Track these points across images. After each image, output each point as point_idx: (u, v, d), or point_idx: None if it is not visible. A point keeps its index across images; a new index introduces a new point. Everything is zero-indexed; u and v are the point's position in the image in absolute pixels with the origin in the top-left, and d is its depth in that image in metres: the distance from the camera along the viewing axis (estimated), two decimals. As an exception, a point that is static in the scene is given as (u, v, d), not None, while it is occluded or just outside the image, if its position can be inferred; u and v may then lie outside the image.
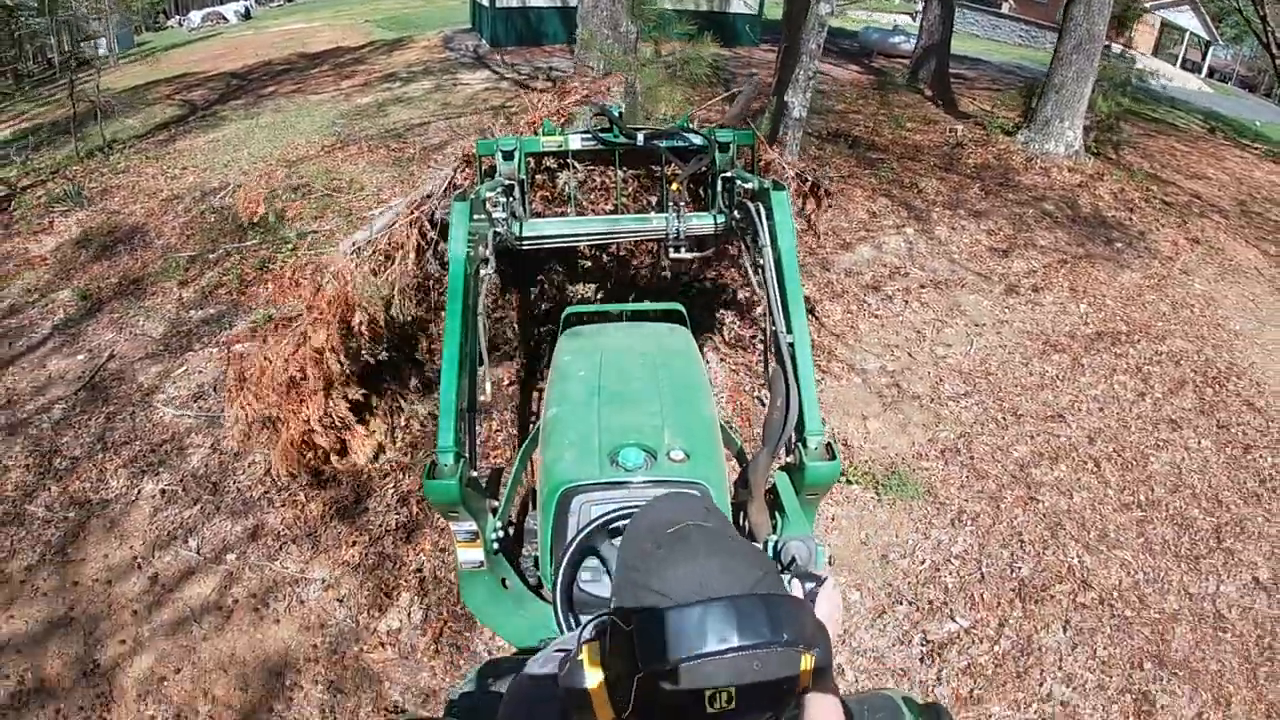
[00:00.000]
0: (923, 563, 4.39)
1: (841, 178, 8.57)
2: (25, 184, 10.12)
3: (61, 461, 5.15)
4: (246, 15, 29.73)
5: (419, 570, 4.29)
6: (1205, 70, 27.35)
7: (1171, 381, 6.04)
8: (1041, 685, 3.81)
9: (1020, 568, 4.37)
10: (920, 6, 16.31)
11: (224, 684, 3.92)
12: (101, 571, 4.46)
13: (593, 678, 1.08)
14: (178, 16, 30.07)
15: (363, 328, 4.42)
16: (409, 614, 4.09)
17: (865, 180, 8.63)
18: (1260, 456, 5.50)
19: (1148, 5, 26.27)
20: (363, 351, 4.70)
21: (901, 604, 4.16)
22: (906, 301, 6.71)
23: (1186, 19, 28.32)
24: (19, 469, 5.06)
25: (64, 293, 7.02)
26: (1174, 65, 26.81)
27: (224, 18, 29.04)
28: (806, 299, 6.29)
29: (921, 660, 3.90)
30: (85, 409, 5.61)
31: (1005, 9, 28.51)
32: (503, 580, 2.92)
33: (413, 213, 4.62)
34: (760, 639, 0.97)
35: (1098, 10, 8.59)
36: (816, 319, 6.31)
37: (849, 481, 4.86)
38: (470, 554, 2.81)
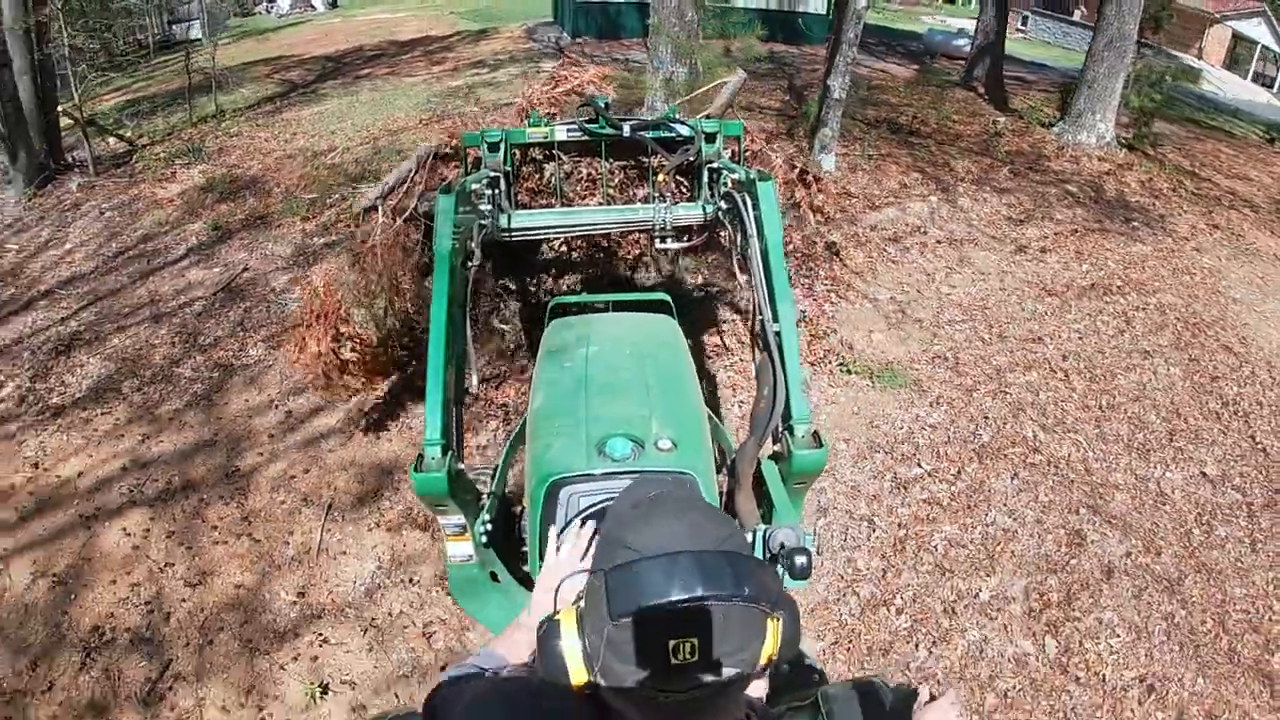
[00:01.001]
0: (901, 428, 5.34)
1: (880, 155, 9.51)
2: (144, 143, 11.81)
3: (205, 339, 6.40)
4: (333, 4, 31.13)
5: (504, 406, 5.39)
6: (1278, 85, 26.94)
7: (1153, 325, 6.81)
8: (987, 515, 4.73)
9: (982, 435, 5.29)
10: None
11: (344, 479, 5.09)
12: (242, 411, 5.68)
13: (568, 637, 1.11)
14: (266, 3, 31.32)
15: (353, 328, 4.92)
16: (494, 435, 5.21)
17: (902, 159, 9.54)
18: (1226, 386, 6.24)
19: (1216, 15, 26.21)
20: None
21: (879, 453, 5.12)
22: (921, 252, 7.62)
23: (1260, 31, 27.89)
24: (165, 346, 6.34)
25: (195, 225, 8.42)
26: (1245, 78, 26.61)
27: (312, 5, 30.54)
28: (832, 244, 7.29)
29: (890, 491, 4.86)
30: (225, 304, 6.90)
31: (1076, 16, 28.66)
32: (492, 573, 2.93)
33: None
34: (722, 590, 0.99)
35: (1128, 10, 9.35)
36: (840, 260, 7.26)
37: (849, 372, 5.83)
38: (459, 547, 2.82)
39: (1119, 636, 4.17)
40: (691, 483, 2.52)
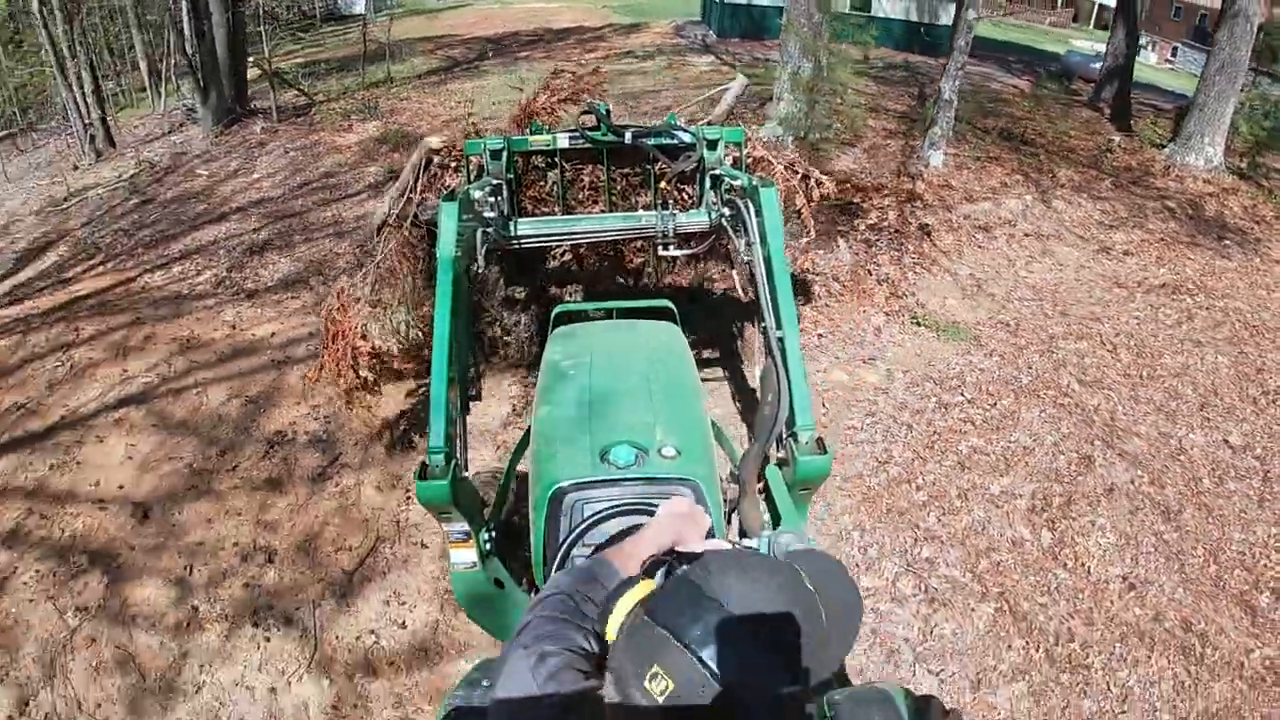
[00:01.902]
0: (954, 369, 6.34)
1: (988, 157, 10.34)
2: (320, 99, 13.83)
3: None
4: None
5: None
6: None
7: (1213, 322, 7.46)
8: (1011, 435, 5.69)
9: (1022, 379, 6.23)
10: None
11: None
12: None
13: (629, 599, 1.16)
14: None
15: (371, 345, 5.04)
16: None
17: (1008, 162, 10.33)
18: (1271, 379, 6.85)
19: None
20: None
21: (930, 383, 6.14)
22: (1008, 241, 8.48)
23: None
24: (346, 255, 7.91)
25: (371, 168, 10.11)
26: None
27: (474, -11, 32.96)
28: (925, 225, 8.27)
29: (933, 410, 5.88)
30: (403, 227, 8.52)
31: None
32: (496, 580, 2.95)
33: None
34: (723, 672, 0.99)
35: (1240, 36, 9.80)
36: (930, 239, 8.22)
37: (918, 324, 6.85)
38: (463, 555, 2.84)
39: (1109, 539, 5.05)
40: (696, 489, 2.54)
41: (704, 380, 3.91)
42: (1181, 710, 4.16)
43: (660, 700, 0.99)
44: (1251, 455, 5.97)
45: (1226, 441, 6.07)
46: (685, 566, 1.25)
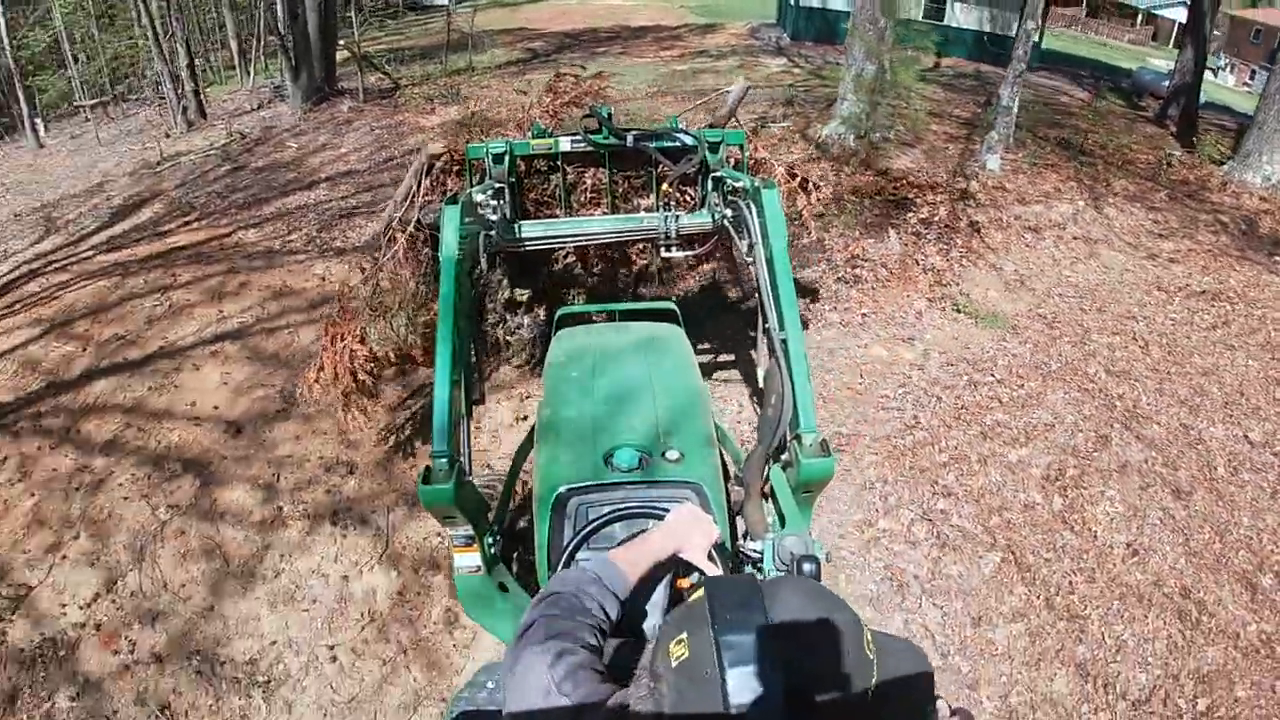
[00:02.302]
0: (988, 353, 6.81)
1: (1044, 164, 10.67)
2: (404, 84, 14.73)
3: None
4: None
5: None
6: None
7: (1248, 328, 7.72)
8: (1034, 413, 6.15)
9: (1051, 365, 6.67)
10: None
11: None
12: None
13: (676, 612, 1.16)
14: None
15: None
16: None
17: (1064, 169, 10.65)
18: (1300, 384, 7.15)
19: None
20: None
21: (963, 363, 6.63)
22: (1055, 243, 8.85)
23: None
24: None
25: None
26: None
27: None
28: (975, 223, 8.70)
29: (963, 386, 6.37)
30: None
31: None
32: (501, 584, 2.97)
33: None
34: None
35: (1304, 57, 9.98)
36: (980, 236, 8.64)
37: (958, 311, 7.33)
38: (467, 558, 2.86)
39: (1117, 509, 5.48)
40: (700, 492, 2.57)
41: (708, 382, 3.94)
42: (1173, 668, 4.48)
43: (673, 664, 1.04)
44: (1270, 451, 6.25)
45: (1247, 437, 6.39)
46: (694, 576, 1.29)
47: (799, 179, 5.49)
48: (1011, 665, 4.51)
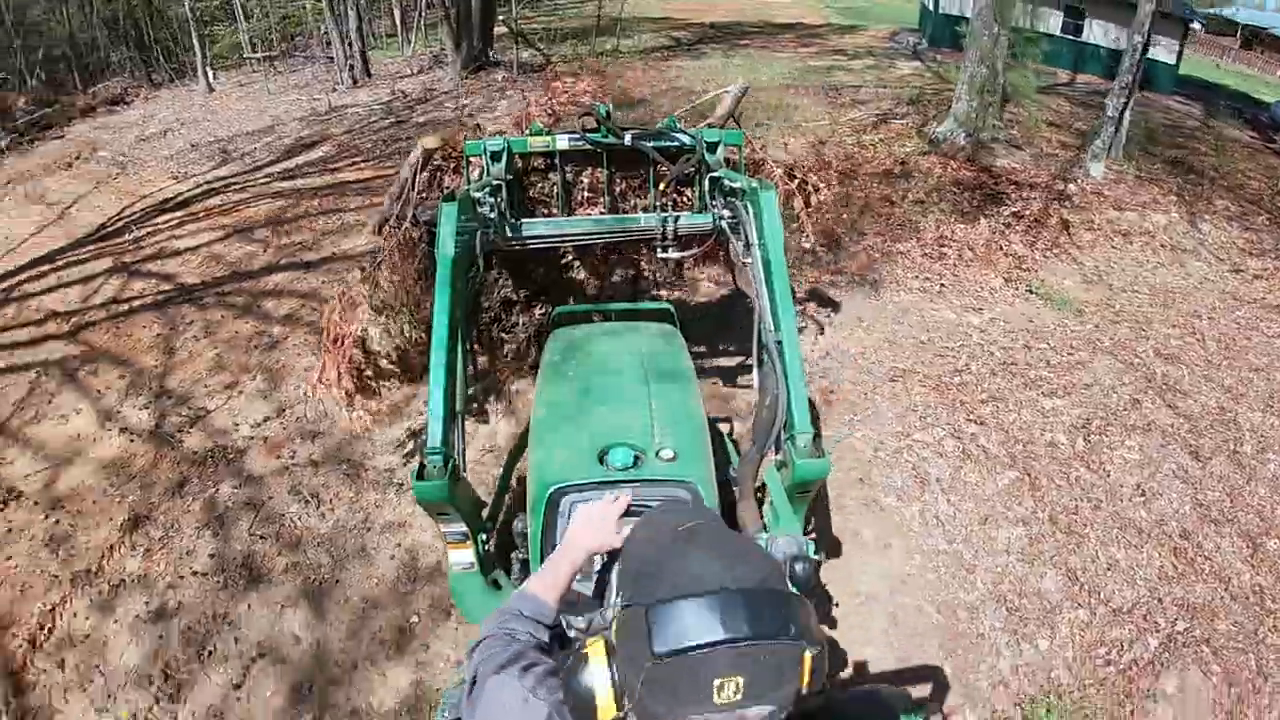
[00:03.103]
0: (1049, 328, 7.70)
1: (1148, 177, 11.21)
2: (554, 60, 16.26)
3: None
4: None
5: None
6: None
7: (1316, 341, 8.23)
8: (1075, 374, 6.99)
9: (1104, 342, 7.50)
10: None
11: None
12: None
13: (599, 672, 1.12)
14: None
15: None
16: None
17: (1168, 184, 11.15)
18: (1354, 392, 7.63)
19: None
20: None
21: (1023, 333, 7.55)
22: (1142, 248, 9.51)
23: None
24: None
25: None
26: None
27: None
28: (1067, 221, 9.48)
29: (1019, 347, 7.30)
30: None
31: None
32: (494, 581, 3.00)
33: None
34: (772, 632, 1.04)
35: None
36: (1068, 233, 9.40)
37: (1031, 292, 8.20)
38: (460, 555, 2.89)
39: (1134, 457, 6.16)
40: (693, 492, 2.63)
41: (703, 382, 4.05)
42: (1159, 592, 4.93)
43: (737, 697, 1.02)
44: (1305, 444, 6.81)
45: (1289, 431, 6.97)
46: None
47: (798, 180, 5.54)
48: (1008, 559, 5.15)
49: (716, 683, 1.01)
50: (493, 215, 4.03)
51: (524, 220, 4.41)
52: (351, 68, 17.25)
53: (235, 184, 11.44)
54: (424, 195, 4.89)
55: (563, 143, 4.47)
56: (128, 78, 21.19)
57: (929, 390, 6.65)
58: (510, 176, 4.44)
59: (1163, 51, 18.92)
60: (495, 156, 4.37)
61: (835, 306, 7.73)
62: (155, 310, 7.94)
